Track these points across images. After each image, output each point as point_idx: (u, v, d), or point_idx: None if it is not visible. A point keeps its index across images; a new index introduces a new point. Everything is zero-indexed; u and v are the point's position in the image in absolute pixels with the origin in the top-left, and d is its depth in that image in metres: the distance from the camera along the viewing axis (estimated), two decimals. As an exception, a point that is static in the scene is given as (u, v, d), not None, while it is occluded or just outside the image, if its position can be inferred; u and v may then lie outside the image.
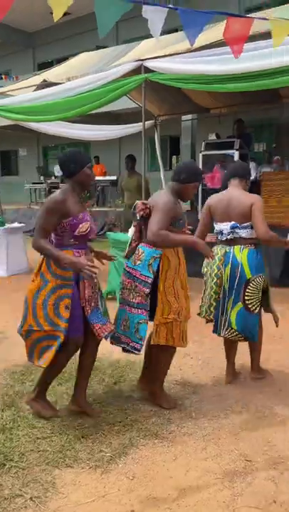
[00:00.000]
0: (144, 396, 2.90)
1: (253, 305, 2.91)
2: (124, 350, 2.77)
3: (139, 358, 3.41)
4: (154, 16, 2.10)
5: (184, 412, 2.73)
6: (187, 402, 2.84)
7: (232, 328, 2.95)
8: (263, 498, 2.00)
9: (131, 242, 2.77)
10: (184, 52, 4.73)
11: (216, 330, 3.06)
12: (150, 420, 2.63)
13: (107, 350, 3.64)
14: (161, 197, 2.68)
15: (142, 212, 2.67)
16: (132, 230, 5.08)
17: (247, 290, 2.87)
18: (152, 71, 5.07)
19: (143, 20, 2.16)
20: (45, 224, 2.46)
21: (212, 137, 9.23)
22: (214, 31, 5.04)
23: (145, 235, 2.67)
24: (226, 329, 2.96)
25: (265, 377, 3.16)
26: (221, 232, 2.98)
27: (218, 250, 2.98)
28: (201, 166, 6.72)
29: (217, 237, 3.04)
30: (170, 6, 2.09)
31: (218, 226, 3.00)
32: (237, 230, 2.92)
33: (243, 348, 3.19)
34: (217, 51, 4.41)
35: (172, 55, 4.86)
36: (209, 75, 4.42)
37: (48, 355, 2.50)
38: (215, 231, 3.05)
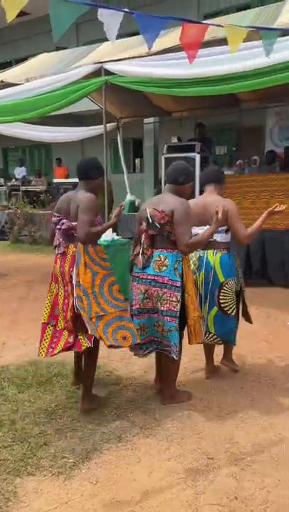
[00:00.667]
0: (109, 399, 2.89)
1: (229, 308, 2.97)
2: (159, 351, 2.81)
3: (104, 361, 3.42)
4: (110, 20, 2.10)
5: (148, 414, 2.74)
6: (151, 404, 2.85)
7: (210, 333, 3.00)
8: (225, 495, 2.03)
9: (144, 250, 2.68)
10: (144, 56, 4.76)
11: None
12: (114, 424, 2.62)
13: (70, 356, 3.62)
14: (175, 203, 2.66)
15: (162, 221, 2.64)
16: (110, 233, 5.05)
17: (221, 293, 2.93)
18: (112, 73, 5.07)
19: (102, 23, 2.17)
20: (92, 218, 2.64)
21: (174, 140, 9.34)
22: (175, 35, 5.12)
23: (158, 242, 2.69)
24: (205, 334, 3.01)
25: (234, 369, 3.26)
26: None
27: (193, 255, 3.01)
28: (163, 169, 6.78)
29: None
30: (126, 10, 2.10)
31: (194, 230, 3.03)
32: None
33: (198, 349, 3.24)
34: (177, 55, 4.47)
35: (132, 58, 4.88)
36: (169, 78, 4.48)
37: (126, 334, 2.63)
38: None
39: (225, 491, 2.06)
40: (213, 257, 2.96)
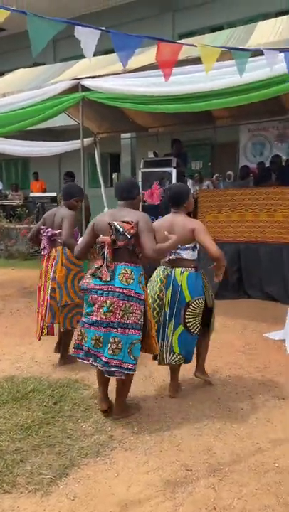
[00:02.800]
0: (88, 413, 2.86)
1: (194, 327, 2.99)
2: (109, 373, 2.70)
3: (82, 375, 3.39)
4: (87, 38, 2.16)
5: (126, 427, 2.72)
6: (129, 418, 2.83)
7: (174, 353, 3.01)
8: (204, 506, 2.04)
9: (108, 264, 2.66)
10: (121, 73, 4.85)
11: (159, 360, 3.09)
12: (92, 438, 2.60)
13: (46, 371, 3.58)
14: (138, 214, 2.73)
15: (132, 231, 2.65)
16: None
17: (187, 312, 2.95)
18: (89, 89, 5.14)
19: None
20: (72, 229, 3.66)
21: (150, 155, 9.48)
22: (151, 54, 5.25)
23: (121, 255, 2.68)
24: (170, 354, 3.02)
25: (207, 380, 3.26)
26: None
27: (160, 272, 3.06)
28: (140, 183, 6.86)
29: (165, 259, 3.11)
30: (102, 28, 2.16)
31: None
32: (178, 251, 3.01)
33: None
34: (153, 73, 4.57)
35: (109, 75, 4.97)
36: (145, 95, 4.57)
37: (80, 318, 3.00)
38: None
39: (204, 502, 2.06)
40: (181, 275, 2.98)
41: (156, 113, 8.08)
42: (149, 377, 3.47)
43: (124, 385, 2.82)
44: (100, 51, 7.18)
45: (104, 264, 2.68)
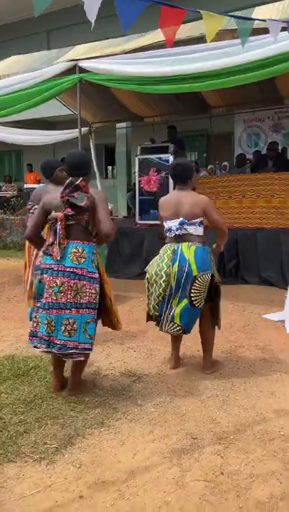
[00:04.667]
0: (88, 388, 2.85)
1: (198, 301, 2.94)
2: (67, 356, 2.63)
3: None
4: (91, 2, 2.12)
5: (130, 400, 2.71)
6: (132, 391, 2.82)
7: (174, 323, 2.98)
8: (211, 471, 2.03)
9: (60, 241, 2.56)
10: (119, 54, 4.81)
11: (159, 325, 3.08)
12: (95, 410, 2.58)
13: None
14: (94, 191, 2.65)
15: (88, 202, 2.56)
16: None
17: (193, 287, 2.90)
18: (87, 71, 5.09)
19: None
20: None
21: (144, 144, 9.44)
22: (149, 37, 5.21)
23: (73, 233, 2.60)
24: (169, 323, 3.00)
25: (216, 370, 3.12)
26: (169, 230, 3.03)
27: (167, 248, 3.02)
28: (137, 170, 6.82)
29: (166, 235, 3.09)
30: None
31: (167, 224, 3.06)
32: (185, 226, 2.98)
33: (185, 338, 3.25)
34: (152, 54, 4.54)
35: (107, 56, 4.92)
36: (144, 76, 4.53)
37: None
38: (164, 229, 3.10)
39: (211, 468, 2.05)
40: (188, 249, 2.95)
41: (153, 102, 8.09)
42: (150, 355, 3.46)
43: (81, 363, 2.73)
44: (99, 38, 7.13)
45: (56, 241, 2.57)
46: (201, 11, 2.41)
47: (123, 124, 10.48)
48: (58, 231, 2.57)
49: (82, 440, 2.29)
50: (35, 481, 1.98)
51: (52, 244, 2.59)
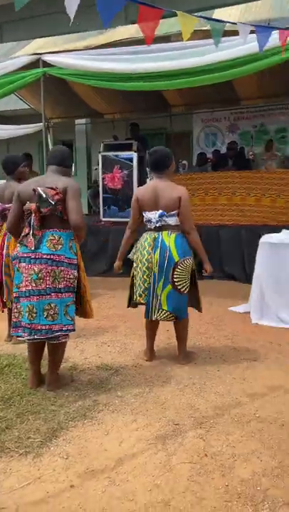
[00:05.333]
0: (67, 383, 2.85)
1: (182, 286, 3.03)
2: (53, 339, 2.66)
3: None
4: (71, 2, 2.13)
5: (109, 392, 2.74)
6: (111, 383, 2.86)
7: (163, 310, 3.04)
8: (195, 454, 2.11)
9: (34, 232, 2.59)
10: (84, 49, 4.79)
11: (148, 314, 3.12)
12: (76, 404, 2.59)
13: (17, 348, 3.51)
14: (67, 181, 2.68)
15: (56, 197, 2.60)
16: None
17: (175, 272, 2.98)
18: (51, 65, 5.03)
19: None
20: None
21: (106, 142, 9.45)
22: (112, 34, 5.23)
23: (49, 222, 2.63)
24: (158, 311, 3.06)
25: (191, 361, 3.21)
26: (149, 221, 3.08)
27: (148, 236, 3.08)
28: (100, 167, 6.82)
29: (146, 225, 3.14)
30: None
31: (146, 215, 3.10)
32: (164, 218, 3.04)
33: (158, 331, 3.33)
34: (118, 50, 4.57)
35: (72, 51, 4.89)
36: (109, 72, 4.55)
37: None
38: (144, 220, 3.14)
39: (195, 450, 2.14)
40: (168, 237, 3.03)
41: (113, 99, 8.11)
42: (125, 349, 3.51)
43: (57, 355, 2.77)
44: (66, 32, 7.03)
45: (31, 232, 2.60)
46: (177, 12, 2.48)
47: (82, 120, 10.41)
48: (32, 222, 2.58)
49: (67, 432, 2.30)
50: (24, 474, 1.98)
51: (27, 235, 2.62)
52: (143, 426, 2.36)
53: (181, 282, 3.04)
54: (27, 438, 2.24)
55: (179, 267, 3.00)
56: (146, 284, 3.07)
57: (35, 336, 2.62)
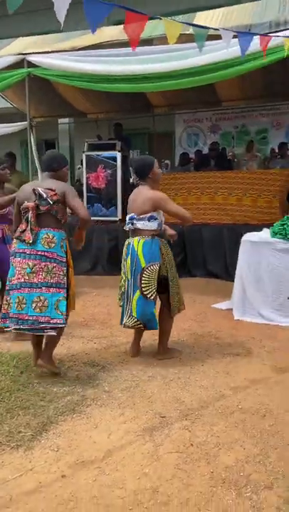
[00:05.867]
0: (57, 379, 2.91)
1: (149, 292, 3.06)
2: (39, 330, 2.78)
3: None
4: (60, 4, 2.19)
5: (97, 387, 2.81)
6: (98, 379, 2.93)
7: (133, 317, 3.10)
8: (182, 444, 2.21)
9: (32, 227, 2.79)
10: (69, 50, 4.83)
11: (121, 320, 3.22)
12: (65, 399, 2.65)
13: (3, 347, 3.55)
14: (65, 186, 2.91)
15: (54, 198, 2.80)
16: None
17: (142, 278, 3.05)
18: (35, 66, 5.05)
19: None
20: None
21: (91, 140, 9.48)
22: (98, 35, 5.28)
23: (44, 221, 2.82)
24: (128, 317, 3.13)
25: (172, 357, 3.29)
26: (126, 223, 3.20)
27: (125, 243, 3.19)
28: (84, 166, 6.86)
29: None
30: (75, -8, 2.20)
31: (127, 217, 3.21)
32: (134, 222, 3.14)
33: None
34: (101, 52, 4.63)
35: (57, 52, 4.92)
36: (94, 74, 4.61)
37: None
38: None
39: (181, 441, 2.23)
40: (138, 243, 3.10)
41: (96, 99, 8.15)
42: (111, 345, 3.58)
43: (53, 337, 2.91)
44: (51, 31, 7.02)
45: (28, 227, 2.80)
46: (162, 18, 2.57)
47: (65, 120, 10.42)
48: (29, 218, 2.78)
49: (56, 426, 2.36)
50: (16, 466, 2.03)
51: (24, 230, 2.81)
52: (130, 419, 2.44)
53: (147, 288, 3.06)
54: (18, 432, 2.29)
55: (145, 272, 3.05)
56: (122, 289, 3.17)
57: (21, 326, 2.75)
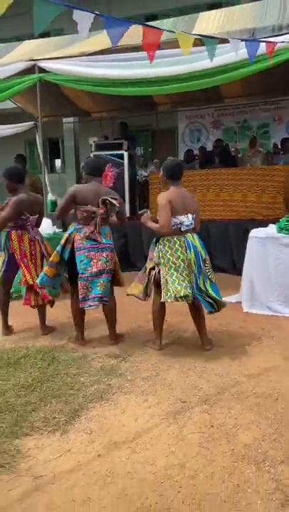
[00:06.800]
0: (83, 370, 3.12)
1: (213, 277, 3.43)
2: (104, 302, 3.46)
3: (64, 342, 3.64)
4: (82, 20, 2.37)
5: (120, 377, 3.03)
6: (121, 369, 3.14)
7: (211, 300, 3.38)
8: (203, 425, 2.42)
9: (98, 230, 3.44)
10: (78, 56, 5.01)
11: (193, 301, 3.44)
12: (92, 388, 2.87)
13: (28, 342, 3.76)
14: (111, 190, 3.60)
15: (120, 205, 3.50)
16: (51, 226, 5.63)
17: (206, 267, 3.36)
18: (45, 71, 5.22)
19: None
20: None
21: (94, 140, 9.64)
22: (102, 38, 5.44)
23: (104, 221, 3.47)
24: (206, 302, 3.38)
25: (212, 347, 3.52)
26: (181, 223, 3.31)
27: (177, 240, 3.32)
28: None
29: (179, 228, 3.34)
30: (96, 12, 2.39)
31: (178, 219, 3.32)
32: (192, 221, 3.39)
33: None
34: (110, 57, 4.79)
35: (68, 58, 5.09)
36: (104, 78, 4.78)
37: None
38: (173, 222, 3.30)
39: (202, 423, 2.45)
40: (193, 238, 3.36)
41: (101, 98, 8.31)
42: (129, 338, 3.80)
43: (114, 314, 3.66)
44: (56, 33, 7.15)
45: (96, 230, 3.44)
46: (176, 31, 2.75)
47: (70, 119, 10.57)
48: (97, 222, 3.42)
49: (87, 412, 2.58)
50: (55, 448, 2.25)
51: (93, 232, 3.42)
52: (154, 404, 2.66)
53: (211, 274, 3.43)
54: (53, 418, 2.51)
55: (207, 261, 3.41)
56: (187, 281, 3.26)
57: (96, 304, 3.38)
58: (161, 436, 2.33)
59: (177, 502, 1.87)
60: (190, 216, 3.35)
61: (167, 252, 3.34)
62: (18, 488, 1.98)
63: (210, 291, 3.38)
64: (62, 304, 4.17)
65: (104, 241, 3.45)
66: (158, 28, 2.63)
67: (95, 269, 3.38)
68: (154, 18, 12.48)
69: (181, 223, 3.36)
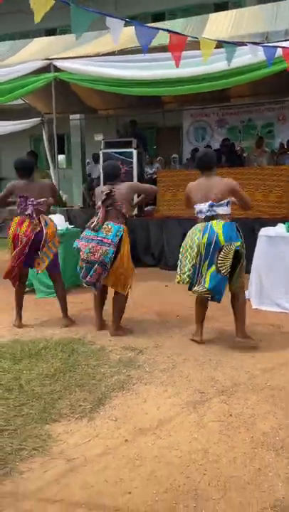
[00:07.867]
0: (102, 361, 3.25)
1: (224, 268, 3.39)
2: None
3: (82, 334, 3.77)
4: (115, 27, 2.49)
5: (139, 368, 3.15)
6: (139, 361, 3.27)
7: (204, 286, 3.41)
8: (222, 414, 2.55)
9: (99, 218, 3.73)
10: (93, 56, 5.11)
11: (190, 287, 3.55)
12: (113, 378, 3.00)
13: (46, 334, 3.88)
14: (127, 183, 3.97)
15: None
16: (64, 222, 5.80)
17: (220, 255, 3.37)
18: (60, 70, 5.32)
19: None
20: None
21: (99, 137, 9.73)
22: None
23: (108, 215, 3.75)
24: (199, 286, 3.44)
25: (249, 341, 3.59)
26: (200, 211, 3.48)
27: (199, 225, 3.48)
28: (101, 163, 7.15)
29: (198, 217, 3.55)
30: (127, 19, 2.50)
31: (198, 207, 3.50)
32: (214, 208, 3.45)
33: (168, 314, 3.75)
34: (124, 58, 4.90)
35: (83, 57, 5.19)
36: (120, 78, 4.89)
37: None
38: (195, 211, 3.53)
39: (221, 412, 2.58)
40: (217, 224, 3.42)
41: (108, 95, 8.40)
42: (144, 332, 3.93)
43: (117, 305, 3.88)
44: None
45: (97, 222, 3.78)
46: (199, 38, 2.86)
47: (76, 116, 10.66)
48: (99, 214, 3.73)
49: (110, 401, 2.71)
50: (83, 433, 2.38)
51: (92, 222, 3.74)
52: (174, 394, 2.79)
53: (222, 264, 3.38)
54: (78, 406, 2.63)
55: (224, 250, 3.36)
56: (191, 266, 3.45)
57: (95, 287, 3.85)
58: (183, 423, 2.46)
59: (203, 483, 2.00)
60: (207, 204, 3.44)
61: (189, 236, 3.52)
62: (53, 469, 2.10)
63: (206, 278, 3.41)
64: (79, 298, 4.29)
65: (99, 234, 3.69)
66: (182, 35, 2.74)
67: (82, 256, 3.73)
68: (161, 16, 12.57)
69: (200, 211, 3.51)
